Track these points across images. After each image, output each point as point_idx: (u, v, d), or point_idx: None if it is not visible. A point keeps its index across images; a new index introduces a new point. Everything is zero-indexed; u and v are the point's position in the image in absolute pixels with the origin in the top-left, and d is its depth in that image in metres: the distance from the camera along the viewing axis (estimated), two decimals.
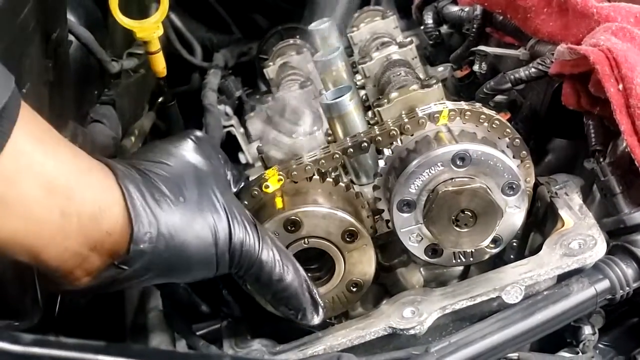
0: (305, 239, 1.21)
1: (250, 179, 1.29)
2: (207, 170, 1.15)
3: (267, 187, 1.23)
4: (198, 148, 1.16)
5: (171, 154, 1.13)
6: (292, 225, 1.19)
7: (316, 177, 1.24)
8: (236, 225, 1.10)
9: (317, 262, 1.27)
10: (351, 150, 1.24)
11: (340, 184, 1.25)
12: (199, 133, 1.20)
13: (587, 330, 1.28)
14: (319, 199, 1.22)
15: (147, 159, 1.11)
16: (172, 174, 1.09)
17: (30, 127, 0.93)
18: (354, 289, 1.26)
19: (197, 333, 1.29)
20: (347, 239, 1.21)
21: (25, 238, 0.95)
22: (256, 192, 1.23)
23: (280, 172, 1.23)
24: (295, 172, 1.23)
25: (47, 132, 0.98)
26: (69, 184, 0.97)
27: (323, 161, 1.24)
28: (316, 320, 1.20)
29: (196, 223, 1.07)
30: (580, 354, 1.28)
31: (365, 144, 1.23)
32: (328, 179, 1.25)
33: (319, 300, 1.19)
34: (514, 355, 1.21)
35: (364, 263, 1.24)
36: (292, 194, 1.23)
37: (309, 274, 1.22)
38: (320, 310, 1.20)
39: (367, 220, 1.27)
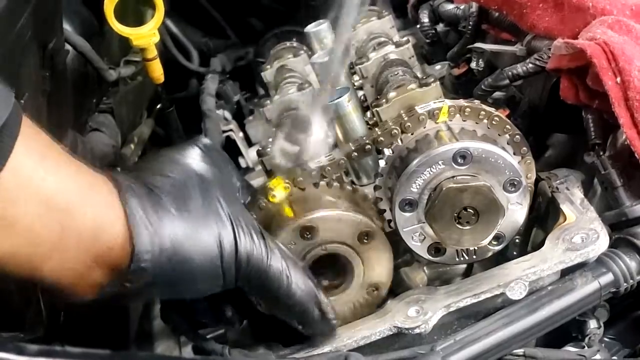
0: (323, 245, 1.20)
1: (251, 181, 1.28)
2: (213, 179, 1.12)
3: (273, 196, 1.22)
4: (205, 156, 1.14)
5: (176, 162, 1.11)
6: (308, 232, 1.18)
7: (323, 183, 1.23)
8: (242, 236, 1.07)
9: (332, 270, 1.26)
10: (355, 154, 1.25)
11: (347, 187, 1.25)
12: (206, 141, 1.17)
13: (592, 324, 1.28)
14: (329, 204, 1.22)
15: (152, 168, 1.10)
16: (176, 184, 1.08)
17: (32, 143, 0.93)
18: (374, 292, 1.25)
19: None
20: (364, 240, 1.21)
21: (24, 255, 0.94)
22: (263, 204, 1.22)
23: (286, 180, 1.23)
24: (300, 179, 1.23)
25: (48, 147, 0.97)
26: (69, 200, 0.96)
27: (329, 168, 1.24)
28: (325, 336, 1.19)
29: (201, 235, 1.04)
30: (586, 347, 1.28)
31: (369, 147, 1.24)
32: (335, 184, 1.24)
33: (330, 315, 1.17)
34: (520, 351, 1.21)
35: (381, 262, 1.23)
36: (300, 202, 1.23)
37: (327, 282, 1.21)
38: (331, 325, 1.18)
39: (377, 221, 1.27)
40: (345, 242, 1.21)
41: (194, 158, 1.13)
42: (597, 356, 1.29)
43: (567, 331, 1.30)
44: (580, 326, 1.28)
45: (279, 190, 1.22)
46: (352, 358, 1.11)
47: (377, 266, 1.24)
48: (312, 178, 1.23)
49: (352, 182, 1.38)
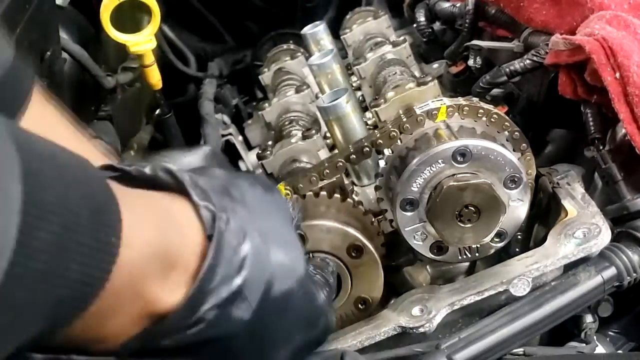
0: (310, 254, 1.19)
1: None
2: None
3: None
4: (211, 159, 1.12)
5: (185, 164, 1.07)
6: None
7: (323, 193, 1.23)
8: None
9: None
10: (354, 156, 1.25)
11: (349, 200, 1.25)
12: (208, 147, 1.16)
13: (587, 319, 1.28)
14: (324, 214, 1.22)
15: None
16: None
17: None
18: (362, 307, 1.24)
19: None
20: (353, 254, 1.20)
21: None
22: None
23: (287, 187, 1.23)
24: (301, 185, 1.22)
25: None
26: None
27: (327, 171, 1.23)
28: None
29: None
30: (584, 344, 1.28)
31: (367, 149, 1.24)
32: (336, 195, 1.24)
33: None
34: (520, 350, 1.20)
35: (371, 279, 1.23)
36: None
37: None
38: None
39: (377, 238, 1.26)
40: (333, 253, 1.20)
41: (201, 157, 1.11)
42: (602, 350, 1.29)
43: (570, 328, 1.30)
44: (577, 321, 1.28)
45: None
46: (347, 357, 1.10)
47: (366, 282, 1.23)
48: (312, 184, 1.23)
49: (353, 183, 1.38)
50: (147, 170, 0.81)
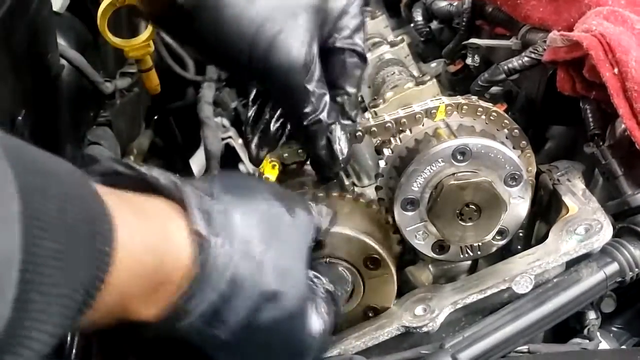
0: (327, 259, 1.17)
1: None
2: None
3: (267, 178, 1.18)
4: None
5: None
6: (315, 244, 1.17)
7: (335, 194, 1.21)
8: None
9: None
10: None
11: (373, 207, 1.23)
12: None
13: (590, 315, 1.28)
14: (348, 219, 1.20)
15: None
16: None
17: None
18: (371, 315, 1.24)
19: None
20: (370, 266, 1.19)
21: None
22: None
23: (272, 159, 1.20)
24: (286, 154, 1.20)
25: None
26: None
27: None
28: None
29: None
30: (588, 340, 1.28)
31: (360, 134, 1.22)
32: (347, 196, 1.22)
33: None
34: (524, 347, 1.20)
35: (383, 293, 1.22)
36: None
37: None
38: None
39: (395, 247, 1.25)
40: (350, 261, 1.19)
41: None
42: (605, 346, 1.29)
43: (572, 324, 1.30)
44: (579, 318, 1.28)
45: (269, 172, 1.18)
46: None
47: (379, 293, 1.22)
48: (298, 156, 1.21)
49: (353, 184, 1.37)
50: (163, 180, 0.82)
